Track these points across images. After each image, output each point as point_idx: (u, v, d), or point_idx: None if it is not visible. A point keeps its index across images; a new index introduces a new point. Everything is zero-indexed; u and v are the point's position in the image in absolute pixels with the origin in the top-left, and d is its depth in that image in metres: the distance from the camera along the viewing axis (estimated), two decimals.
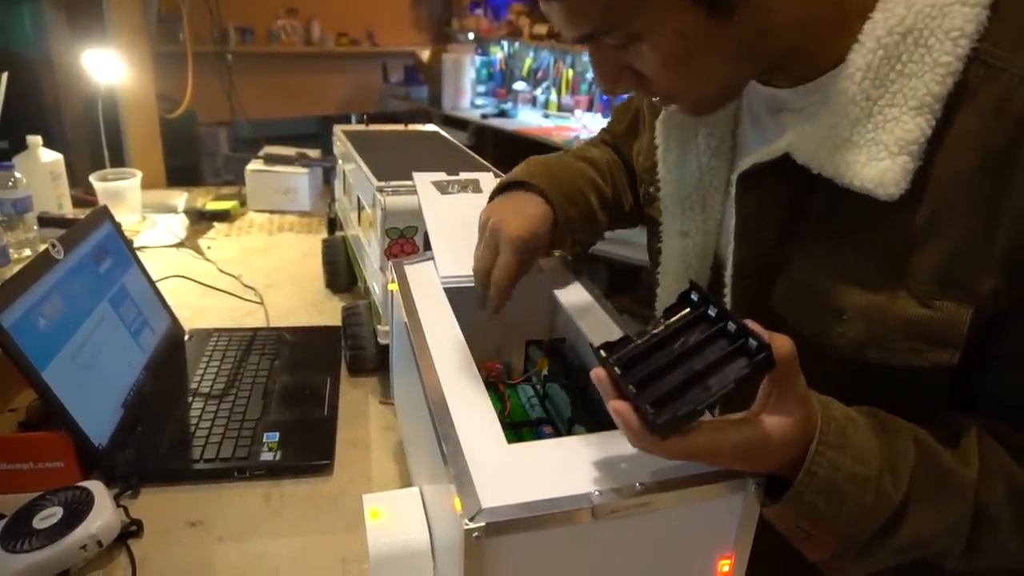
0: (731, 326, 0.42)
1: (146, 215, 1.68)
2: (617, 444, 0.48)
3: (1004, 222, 0.44)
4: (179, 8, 1.83)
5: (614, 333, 0.65)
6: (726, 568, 0.49)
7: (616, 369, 0.44)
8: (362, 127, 1.35)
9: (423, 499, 0.61)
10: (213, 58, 2.91)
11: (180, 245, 1.54)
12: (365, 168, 1.02)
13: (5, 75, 1.44)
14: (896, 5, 0.46)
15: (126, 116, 1.90)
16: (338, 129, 1.33)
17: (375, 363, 1.05)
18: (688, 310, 0.45)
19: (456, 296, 0.73)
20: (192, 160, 3.39)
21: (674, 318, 0.45)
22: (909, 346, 0.48)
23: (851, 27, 0.47)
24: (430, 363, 0.58)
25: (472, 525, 0.41)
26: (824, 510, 0.45)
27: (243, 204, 1.82)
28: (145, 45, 1.85)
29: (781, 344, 0.41)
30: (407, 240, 0.94)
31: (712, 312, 0.44)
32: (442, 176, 0.93)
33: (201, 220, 1.71)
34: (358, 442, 0.91)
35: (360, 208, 1.10)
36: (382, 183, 0.93)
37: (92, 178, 1.61)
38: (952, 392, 0.52)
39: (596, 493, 0.44)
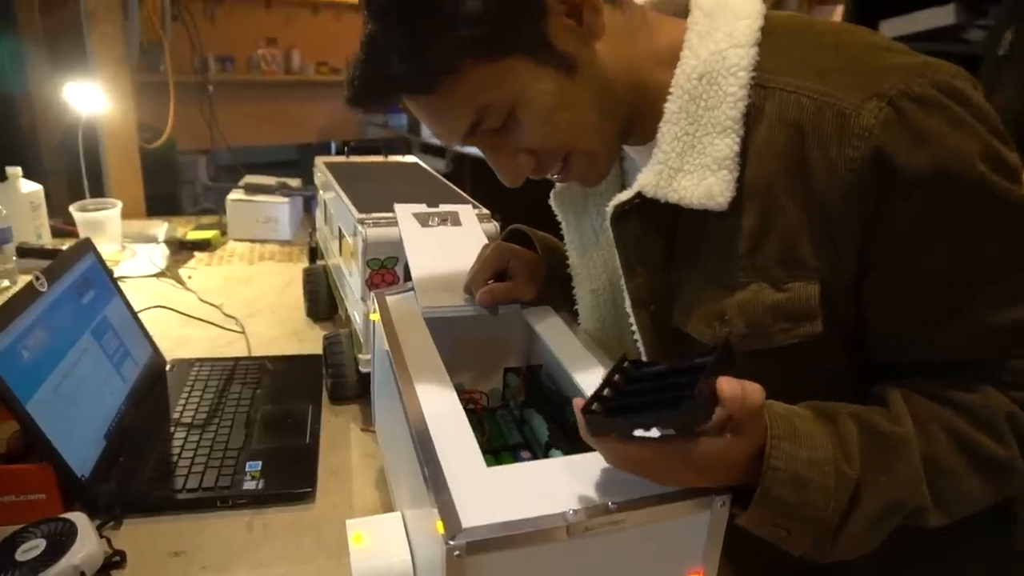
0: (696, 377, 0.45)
1: (126, 245, 1.68)
2: (591, 466, 0.51)
3: (810, 205, 0.53)
4: (161, 39, 1.86)
5: (588, 361, 0.68)
6: None
7: (605, 391, 0.48)
8: (343, 158, 1.38)
9: (405, 523, 0.63)
10: (193, 87, 2.93)
11: (160, 275, 1.55)
12: (346, 199, 1.04)
13: None
14: (689, 58, 0.56)
15: (106, 146, 1.91)
16: (319, 160, 1.35)
17: (356, 391, 1.06)
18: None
19: (436, 325, 0.75)
20: (171, 188, 3.39)
21: (654, 367, 0.49)
22: (779, 328, 0.55)
23: (666, 86, 0.57)
24: (412, 391, 0.60)
25: (454, 544, 0.43)
26: (792, 500, 0.48)
27: (224, 233, 1.83)
28: (126, 76, 1.87)
29: (751, 394, 0.45)
30: (388, 271, 0.97)
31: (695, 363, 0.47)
32: (423, 208, 0.96)
33: (182, 250, 1.72)
34: (340, 469, 0.93)
35: (341, 238, 1.12)
36: (363, 215, 0.96)
37: (72, 208, 1.62)
38: (874, 368, 0.58)
39: (571, 512, 0.46)
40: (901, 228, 0.51)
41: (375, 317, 0.78)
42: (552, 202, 0.75)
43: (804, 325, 0.54)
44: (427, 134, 4.30)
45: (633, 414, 0.45)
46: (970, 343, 0.53)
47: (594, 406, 0.47)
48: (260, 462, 0.89)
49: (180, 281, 1.53)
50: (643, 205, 0.59)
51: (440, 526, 0.44)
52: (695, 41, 0.56)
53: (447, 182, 1.23)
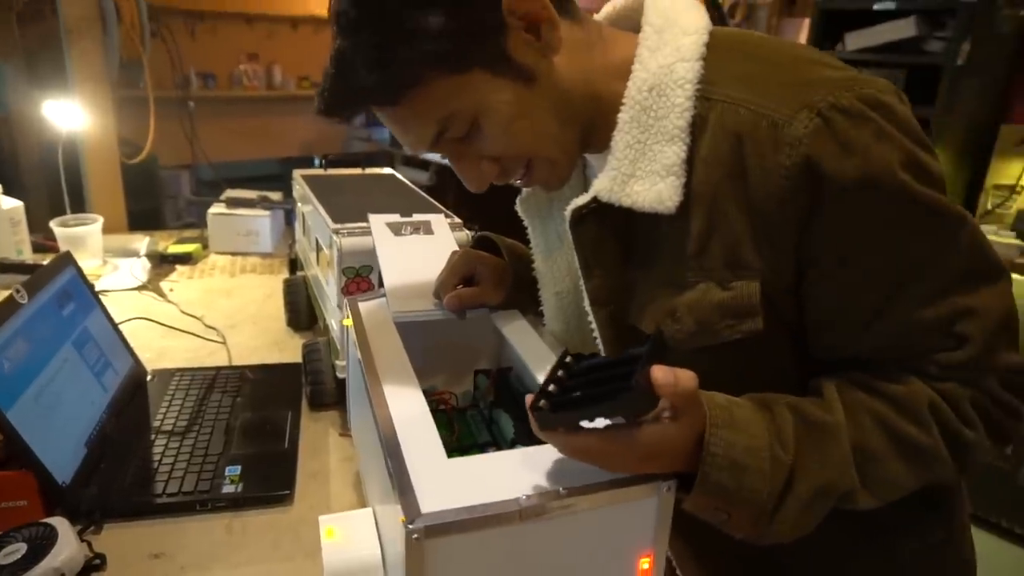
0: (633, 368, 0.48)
1: (107, 259, 1.70)
2: (546, 457, 0.54)
3: (750, 210, 0.56)
4: (140, 55, 1.88)
5: (552, 361, 0.71)
6: (646, 565, 0.55)
7: (551, 387, 0.51)
8: (321, 171, 1.41)
9: (376, 519, 0.65)
10: (175, 102, 2.95)
11: (142, 288, 1.57)
12: (322, 211, 1.07)
13: None
14: (639, 71, 0.60)
15: (87, 162, 1.93)
16: (297, 173, 1.38)
17: (334, 397, 1.09)
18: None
19: (410, 330, 0.78)
20: (154, 204, 3.39)
21: (596, 360, 0.53)
22: (725, 324, 0.58)
23: (620, 97, 0.60)
24: (380, 390, 0.63)
25: (412, 527, 0.46)
26: (730, 485, 0.52)
27: (205, 247, 1.85)
28: (106, 92, 1.89)
29: (683, 379, 0.49)
30: (363, 279, 1.00)
31: (630, 355, 0.51)
32: (395, 218, 1.00)
33: (163, 263, 1.74)
34: (318, 473, 0.95)
35: (319, 249, 1.15)
36: (338, 225, 0.99)
37: (53, 224, 1.63)
38: (818, 364, 0.62)
39: (524, 497, 0.49)
40: (831, 231, 0.55)
41: (348, 323, 0.81)
42: (518, 207, 0.79)
43: (746, 321, 0.58)
44: (407, 148, 4.33)
45: (577, 408, 0.48)
46: (897, 338, 0.57)
47: (541, 403, 0.50)
48: (239, 467, 0.92)
49: (162, 294, 1.55)
50: (599, 209, 0.62)
51: (401, 511, 0.47)
52: (646, 55, 0.60)
53: (422, 193, 1.27)
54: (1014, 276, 2.07)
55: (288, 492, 0.89)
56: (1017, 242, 2.24)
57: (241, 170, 4.23)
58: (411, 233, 0.98)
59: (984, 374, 0.56)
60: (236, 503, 0.87)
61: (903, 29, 2.28)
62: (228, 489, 0.88)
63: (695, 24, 0.60)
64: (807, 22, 2.74)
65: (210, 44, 4.03)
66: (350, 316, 0.81)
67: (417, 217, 1.01)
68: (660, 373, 0.47)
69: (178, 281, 1.66)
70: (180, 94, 2.59)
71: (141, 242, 1.80)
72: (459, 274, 0.80)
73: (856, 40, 2.43)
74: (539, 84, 0.59)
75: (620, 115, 0.60)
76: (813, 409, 0.56)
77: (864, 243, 0.55)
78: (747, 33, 0.64)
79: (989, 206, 2.57)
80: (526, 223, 0.79)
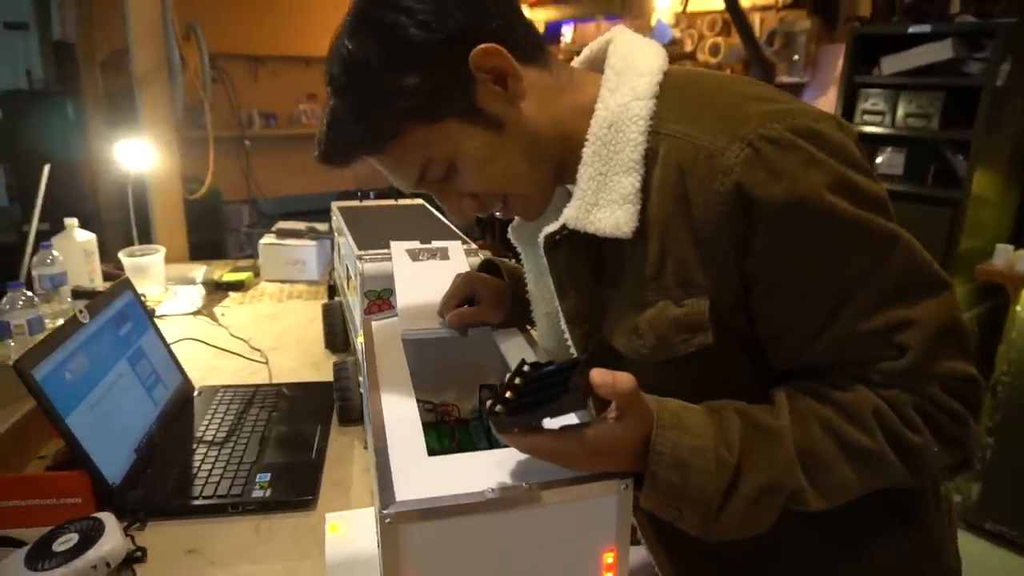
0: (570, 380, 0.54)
1: (168, 286, 1.84)
2: (516, 457, 0.59)
3: (696, 233, 0.61)
4: (203, 102, 2.05)
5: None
6: (610, 560, 0.59)
7: (508, 393, 0.57)
8: (356, 203, 1.51)
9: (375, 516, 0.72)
10: (236, 141, 3.16)
11: (197, 313, 1.70)
12: (350, 239, 1.16)
13: (47, 167, 1.64)
14: (601, 110, 0.65)
15: (153, 197, 2.10)
16: (335, 205, 1.49)
17: (361, 412, 1.17)
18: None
19: (418, 348, 0.85)
20: (217, 236, 3.61)
21: (549, 367, 0.58)
22: (680, 339, 0.63)
23: (584, 136, 0.66)
24: (377, 397, 0.70)
25: (386, 513, 0.52)
26: (677, 482, 0.56)
27: (257, 275, 1.99)
28: (172, 133, 2.07)
29: (621, 381, 0.54)
30: (384, 301, 1.08)
31: (575, 361, 0.56)
32: (416, 244, 1.08)
33: (217, 290, 1.87)
34: (341, 482, 1.03)
35: (349, 276, 1.24)
36: (362, 251, 1.08)
37: (120, 254, 1.79)
38: (770, 372, 0.66)
39: (490, 490, 0.55)
40: (767, 251, 0.59)
41: (360, 340, 0.89)
42: (510, 235, 0.85)
43: (698, 335, 0.62)
44: None
45: (528, 411, 0.54)
46: (841, 350, 0.61)
47: (498, 408, 0.56)
48: (269, 474, 1.00)
49: (214, 318, 1.68)
50: (570, 236, 0.68)
51: (378, 500, 0.53)
52: (606, 95, 0.66)
53: (446, 221, 1.35)
54: None
55: (311, 498, 0.96)
56: None
57: (300, 204, 4.45)
58: (428, 259, 1.05)
59: (926, 381, 0.59)
60: (265, 507, 0.95)
61: (939, 52, 2.27)
62: (258, 494, 0.96)
63: (650, 66, 0.66)
64: (844, 47, 2.74)
65: (271, 86, 4.29)
66: (363, 334, 0.89)
67: (435, 244, 1.09)
68: (598, 375, 0.52)
69: (230, 306, 1.78)
70: (239, 133, 2.78)
71: (198, 271, 1.95)
72: (460, 295, 0.87)
73: (892, 64, 2.42)
74: (508, 129, 0.66)
75: (584, 150, 0.66)
76: (760, 414, 0.60)
77: (797, 262, 0.59)
78: (701, 72, 0.70)
79: None
80: (519, 249, 0.85)
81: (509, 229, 0.84)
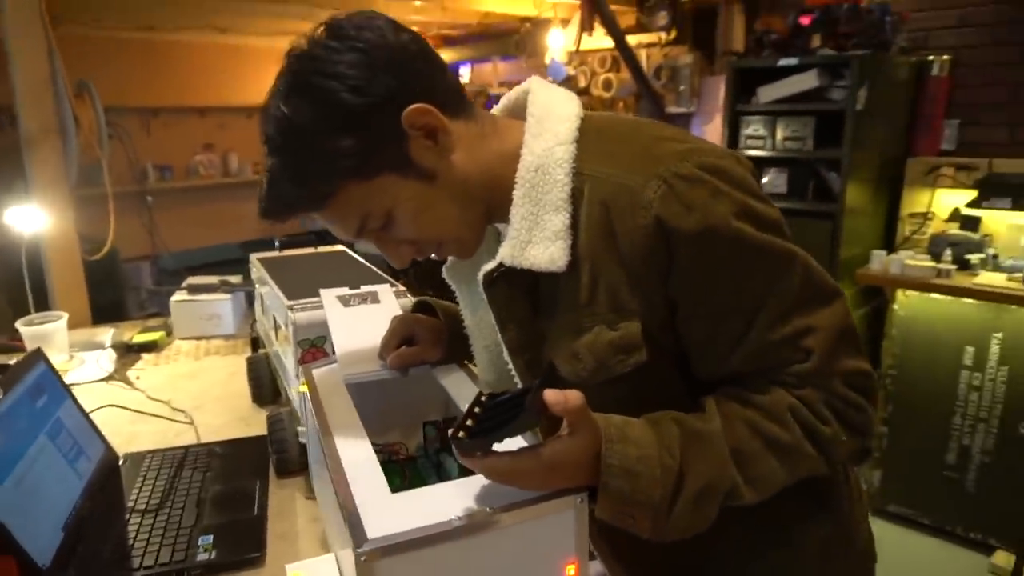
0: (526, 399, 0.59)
1: (74, 354, 1.75)
2: (476, 485, 0.63)
3: (622, 263, 0.67)
4: (99, 160, 1.98)
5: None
6: (572, 571, 0.63)
7: (468, 421, 0.61)
8: (276, 253, 1.51)
9: (338, 562, 0.73)
10: (133, 196, 3.04)
11: (109, 378, 1.62)
12: (277, 290, 1.16)
13: None
14: (527, 155, 0.71)
15: (49, 262, 1.99)
16: (254, 257, 1.48)
17: (299, 463, 1.16)
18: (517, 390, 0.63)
19: (360, 391, 0.87)
20: (117, 296, 3.44)
21: (504, 395, 0.63)
22: (617, 360, 0.69)
23: (514, 178, 0.72)
24: (331, 441, 0.72)
25: (361, 551, 0.54)
26: (627, 489, 0.61)
27: (169, 334, 1.92)
28: (65, 195, 1.97)
29: (571, 397, 0.59)
30: (318, 349, 1.08)
31: (529, 387, 0.61)
32: (345, 291, 1.09)
33: (129, 353, 1.80)
34: (286, 534, 1.01)
35: (277, 327, 1.24)
36: (292, 301, 1.08)
37: (19, 324, 1.69)
38: (697, 383, 0.73)
39: (456, 518, 0.58)
40: (686, 274, 0.66)
41: (304, 388, 0.89)
42: (445, 274, 0.89)
43: (634, 355, 0.68)
44: None
45: (488, 434, 0.58)
46: (757, 357, 0.68)
47: (460, 434, 0.59)
48: (212, 536, 0.98)
49: (129, 382, 1.61)
50: (507, 272, 0.72)
51: (351, 540, 0.55)
52: (531, 141, 0.72)
53: (370, 265, 1.37)
54: (932, 295, 2.27)
55: (259, 554, 0.95)
56: (932, 264, 2.42)
57: (203, 256, 4.31)
58: (359, 303, 1.07)
59: (830, 379, 0.67)
60: (211, 569, 0.92)
61: (806, 81, 2.51)
62: (203, 557, 0.93)
63: (568, 113, 0.72)
64: (724, 79, 2.97)
65: (165, 138, 4.17)
66: (306, 383, 0.90)
67: (364, 288, 1.11)
68: (551, 395, 0.57)
69: (144, 369, 1.71)
70: (138, 188, 2.69)
71: (106, 334, 1.86)
72: (399, 336, 0.90)
73: (767, 93, 2.65)
74: (440, 179, 0.71)
75: (515, 192, 0.71)
76: (694, 421, 0.67)
77: (713, 283, 0.67)
78: (613, 116, 0.77)
79: (906, 233, 2.77)
80: (453, 287, 0.89)
81: (444, 269, 0.88)
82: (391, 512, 0.59)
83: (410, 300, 1.14)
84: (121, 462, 1.20)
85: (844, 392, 0.67)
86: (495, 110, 0.82)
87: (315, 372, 0.91)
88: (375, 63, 0.67)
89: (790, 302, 0.67)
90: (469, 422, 0.61)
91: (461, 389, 0.86)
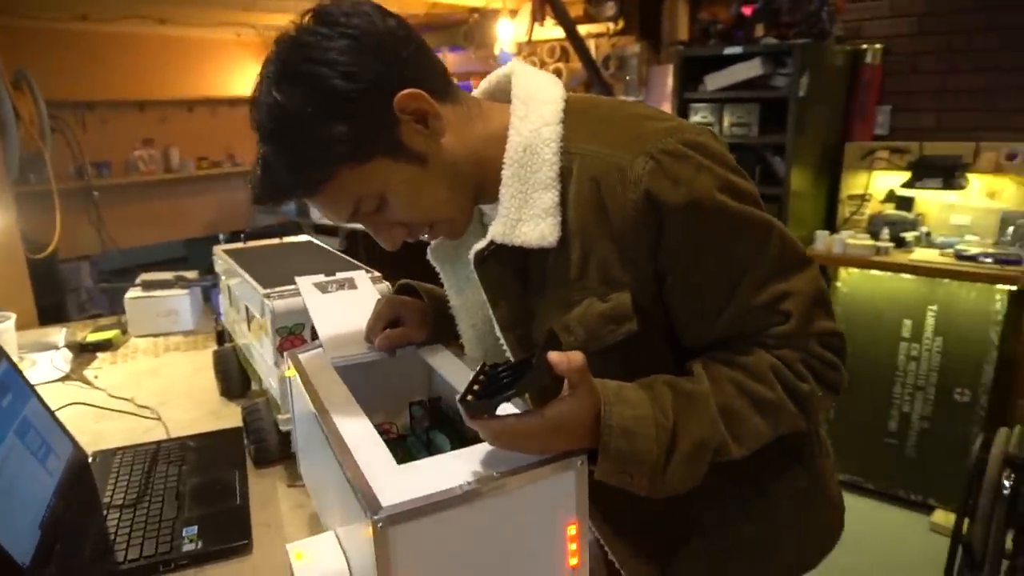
0: (533, 360, 0.61)
1: (23, 355, 1.69)
2: (479, 453, 0.65)
3: (614, 236, 0.70)
4: (42, 152, 1.91)
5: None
6: (573, 531, 0.66)
7: (475, 387, 0.63)
8: (241, 245, 1.49)
9: (338, 538, 0.74)
10: (74, 194, 2.92)
11: (66, 378, 1.57)
12: (251, 280, 1.16)
13: None
14: (514, 136, 0.73)
15: None
16: (218, 249, 1.46)
17: (278, 452, 1.16)
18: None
19: (346, 374, 0.88)
20: (57, 298, 3.30)
21: (506, 365, 0.65)
22: (608, 330, 0.72)
23: (501, 158, 0.74)
24: (330, 420, 0.73)
25: (377, 518, 0.55)
26: (626, 449, 0.64)
27: (124, 332, 1.87)
28: (7, 190, 1.90)
29: (574, 357, 0.62)
30: (296, 336, 1.08)
31: (531, 354, 0.63)
32: (321, 278, 1.10)
33: (83, 352, 1.74)
34: (271, 523, 1.01)
35: (249, 317, 1.23)
36: (268, 290, 1.08)
37: None
38: (683, 350, 0.77)
39: (465, 483, 0.60)
40: (674, 245, 0.70)
41: (290, 373, 0.90)
42: (430, 256, 0.91)
43: (624, 325, 0.72)
44: (317, 215, 4.41)
45: (497, 394, 0.60)
46: (741, 321, 0.72)
47: (468, 397, 0.62)
48: (196, 527, 0.97)
49: (87, 382, 1.56)
50: (497, 250, 0.75)
51: (365, 509, 0.57)
52: (517, 123, 0.74)
53: (340, 253, 1.37)
54: (872, 271, 2.40)
55: (246, 541, 0.95)
56: (872, 242, 2.55)
57: (147, 255, 4.17)
58: (337, 290, 1.08)
59: (807, 339, 0.72)
60: (198, 559, 0.92)
61: (751, 69, 2.60)
62: (189, 547, 0.93)
63: (552, 95, 0.75)
64: (671, 68, 3.05)
65: (102, 133, 4.01)
66: (292, 368, 0.90)
67: (340, 275, 1.11)
68: (555, 355, 0.60)
69: (101, 368, 1.67)
70: (80, 184, 2.58)
71: (57, 335, 1.80)
72: (386, 318, 0.91)
73: (714, 80, 2.73)
74: (431, 162, 0.73)
75: (503, 172, 0.73)
76: (684, 383, 0.71)
77: (700, 252, 0.70)
78: (594, 98, 0.80)
79: (847, 214, 2.91)
80: (437, 269, 0.91)
81: (428, 250, 0.89)
82: (399, 482, 0.61)
83: (386, 285, 1.15)
84: (91, 459, 1.17)
85: (820, 352, 0.72)
86: (475, 93, 0.84)
87: (301, 357, 0.91)
88: (365, 49, 0.68)
89: (770, 269, 0.71)
90: (476, 387, 0.63)
91: (448, 368, 0.88)
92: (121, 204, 3.95)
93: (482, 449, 0.66)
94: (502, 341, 0.79)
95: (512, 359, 0.80)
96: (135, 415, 1.38)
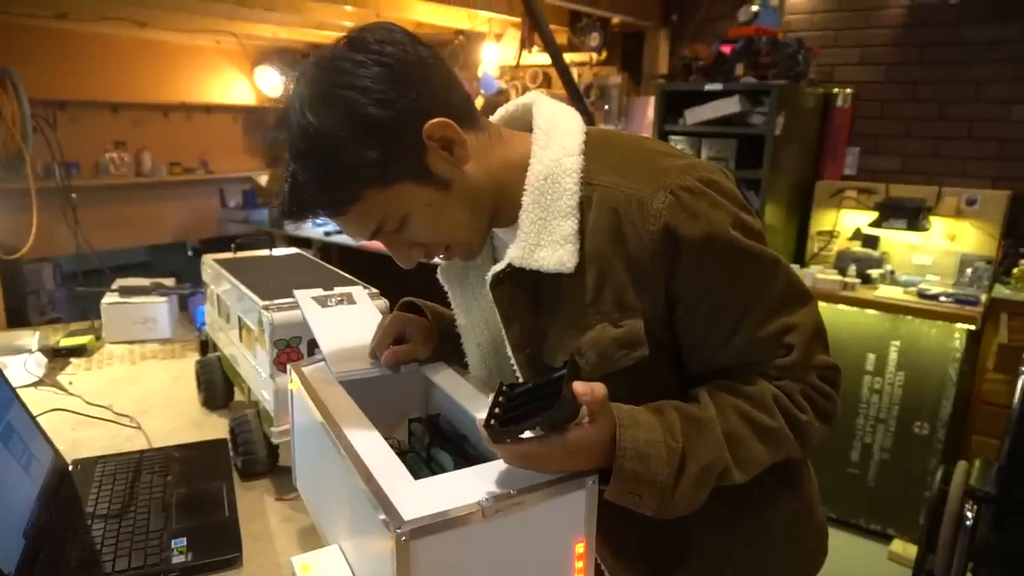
0: (561, 389, 0.63)
1: None
2: (494, 470, 0.67)
3: (630, 265, 0.73)
4: (22, 151, 1.87)
5: (481, 400, 0.84)
6: (581, 549, 0.68)
7: (496, 410, 0.64)
8: (230, 255, 1.48)
9: (343, 552, 0.74)
10: (51, 194, 2.83)
11: (39, 384, 1.53)
12: (246, 290, 1.15)
13: None
14: (535, 164, 0.76)
15: None
16: (207, 258, 1.45)
17: (267, 465, 1.15)
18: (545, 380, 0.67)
19: (349, 387, 0.89)
20: (17, 301, 3.21)
21: (526, 386, 0.67)
22: (620, 354, 0.75)
23: (520, 184, 0.76)
24: (343, 435, 0.74)
25: (400, 531, 0.57)
26: (639, 470, 0.66)
27: (99, 338, 1.83)
28: None
29: (597, 389, 0.64)
30: (293, 349, 1.08)
31: (552, 378, 0.66)
32: (319, 291, 1.10)
33: (56, 357, 1.70)
34: (261, 535, 1.01)
35: (241, 327, 1.22)
36: (267, 302, 1.08)
37: None
38: (688, 376, 0.80)
39: (483, 500, 0.61)
40: (688, 276, 0.73)
41: (294, 386, 0.90)
42: (439, 276, 0.92)
43: (636, 350, 0.74)
44: (291, 227, 4.38)
45: (522, 421, 0.62)
46: (746, 351, 0.76)
47: (492, 421, 0.63)
48: (184, 538, 0.96)
49: (62, 387, 1.53)
50: (513, 273, 0.77)
51: (386, 522, 0.58)
52: (539, 152, 0.76)
53: (332, 268, 1.37)
54: (839, 306, 2.47)
55: (237, 554, 0.94)
56: (839, 278, 2.65)
57: (107, 260, 4.06)
58: (336, 304, 1.08)
59: (807, 371, 0.75)
60: (188, 572, 0.91)
61: (729, 106, 2.69)
62: (178, 559, 0.92)
63: (574, 126, 0.78)
64: (652, 100, 3.13)
65: (73, 133, 3.92)
66: (295, 381, 0.90)
67: (339, 290, 1.12)
68: (580, 386, 0.62)
69: (75, 374, 1.63)
70: (54, 185, 2.53)
71: (29, 338, 1.75)
72: (392, 335, 0.92)
73: (694, 115, 2.82)
74: (454, 187, 0.75)
75: (524, 198, 0.76)
76: (692, 408, 0.73)
77: (711, 283, 0.74)
78: (613, 132, 0.84)
79: (815, 249, 3.01)
80: (446, 288, 0.93)
81: (439, 270, 0.91)
82: (418, 497, 0.62)
83: (384, 302, 1.16)
84: (71, 468, 1.15)
85: (818, 384, 0.76)
86: (493, 119, 0.87)
87: (305, 371, 0.92)
88: (399, 77, 0.70)
89: (775, 302, 0.75)
90: (497, 410, 0.64)
91: (452, 385, 0.90)
92: (88, 206, 3.86)
93: (495, 467, 0.68)
94: (512, 361, 0.81)
95: (521, 378, 0.82)
96: (115, 423, 1.35)
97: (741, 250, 0.73)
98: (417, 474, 0.86)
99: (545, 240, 0.75)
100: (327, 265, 1.42)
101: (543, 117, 0.79)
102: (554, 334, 0.79)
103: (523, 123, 0.82)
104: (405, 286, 1.04)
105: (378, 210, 0.74)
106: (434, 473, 0.86)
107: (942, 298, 2.48)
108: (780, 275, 0.75)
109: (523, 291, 0.78)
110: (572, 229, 0.74)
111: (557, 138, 0.77)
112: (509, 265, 0.76)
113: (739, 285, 0.74)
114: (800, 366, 0.75)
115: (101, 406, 1.43)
